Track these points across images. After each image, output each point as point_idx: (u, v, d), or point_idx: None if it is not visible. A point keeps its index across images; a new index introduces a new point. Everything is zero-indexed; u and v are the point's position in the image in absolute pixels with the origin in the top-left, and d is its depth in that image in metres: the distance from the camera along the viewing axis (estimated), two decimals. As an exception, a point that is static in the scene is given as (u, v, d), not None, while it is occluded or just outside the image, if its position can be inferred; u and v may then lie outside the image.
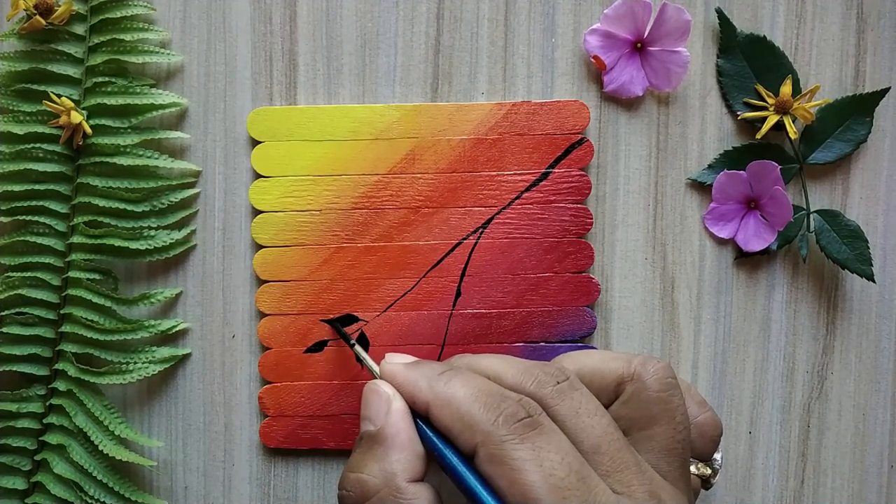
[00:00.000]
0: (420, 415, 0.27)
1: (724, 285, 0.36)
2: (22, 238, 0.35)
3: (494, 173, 0.35)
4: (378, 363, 0.30)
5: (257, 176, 0.35)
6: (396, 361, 0.29)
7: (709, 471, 0.31)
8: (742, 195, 0.36)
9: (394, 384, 0.28)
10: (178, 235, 0.35)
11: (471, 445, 0.25)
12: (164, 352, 0.36)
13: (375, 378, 0.29)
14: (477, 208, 0.35)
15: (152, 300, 0.35)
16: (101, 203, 0.35)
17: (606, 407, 0.28)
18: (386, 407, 0.27)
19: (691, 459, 0.30)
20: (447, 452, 0.26)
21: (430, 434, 0.27)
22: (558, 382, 0.27)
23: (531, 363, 0.28)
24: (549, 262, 0.35)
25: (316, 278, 0.35)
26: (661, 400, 0.27)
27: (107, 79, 0.35)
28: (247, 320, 0.36)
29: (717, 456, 0.31)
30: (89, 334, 0.35)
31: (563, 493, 0.24)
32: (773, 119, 0.35)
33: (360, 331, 0.35)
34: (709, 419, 0.30)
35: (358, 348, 0.32)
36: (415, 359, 0.29)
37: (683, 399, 0.28)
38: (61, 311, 0.35)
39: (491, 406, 0.25)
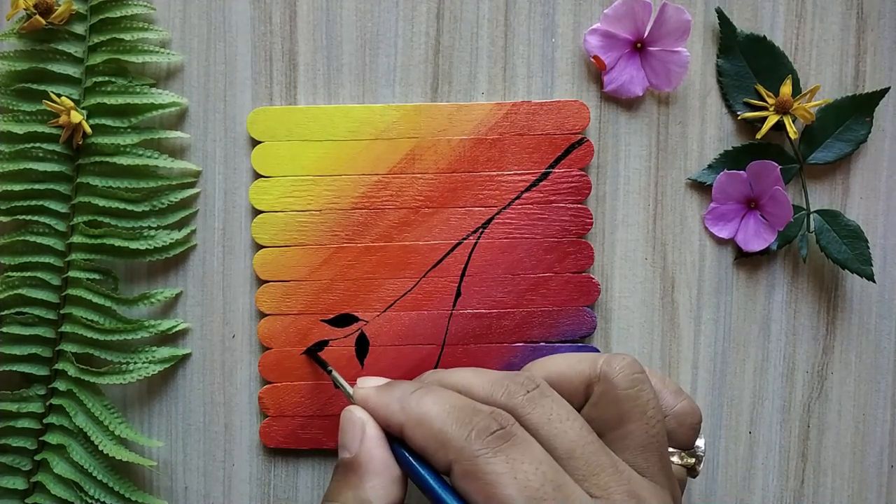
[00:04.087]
0: (395, 437, 0.27)
1: (724, 285, 0.36)
2: (22, 238, 0.35)
3: (494, 173, 0.35)
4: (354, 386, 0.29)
5: (257, 176, 0.35)
6: (369, 385, 0.29)
7: (692, 460, 0.31)
8: (742, 195, 0.36)
9: (367, 408, 0.28)
10: (178, 235, 0.35)
11: (445, 463, 0.25)
12: (164, 352, 0.36)
13: (351, 403, 0.29)
14: (477, 208, 0.35)
15: (152, 300, 0.35)
16: (101, 203, 0.35)
17: (578, 410, 0.28)
18: (360, 433, 0.27)
19: (674, 450, 0.30)
20: (422, 472, 0.26)
21: (406, 455, 0.27)
22: (528, 391, 0.27)
23: (501, 374, 0.28)
24: (549, 262, 0.35)
25: (316, 278, 0.35)
26: (630, 397, 0.27)
27: (107, 78, 0.35)
28: (247, 320, 0.36)
29: (700, 443, 0.31)
30: (89, 334, 0.35)
31: None
32: (773, 119, 0.35)
33: (359, 331, 0.35)
34: (686, 407, 0.30)
35: (335, 374, 0.32)
36: (387, 381, 0.29)
37: (653, 393, 0.28)
38: (61, 311, 0.35)
39: (463, 421, 0.25)
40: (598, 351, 0.36)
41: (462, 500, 0.25)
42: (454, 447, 0.25)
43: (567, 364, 0.29)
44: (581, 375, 0.28)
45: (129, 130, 0.35)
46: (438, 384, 0.28)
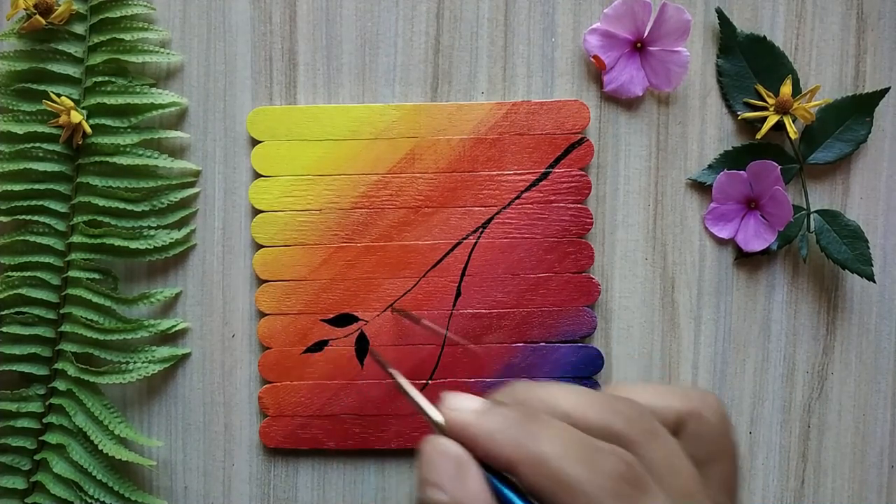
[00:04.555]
0: (495, 471, 0.24)
1: (724, 285, 0.36)
2: (22, 238, 0.35)
3: (494, 173, 0.35)
4: (425, 396, 0.25)
5: (257, 175, 0.35)
6: (464, 407, 0.25)
7: None
8: (742, 195, 0.36)
9: (465, 437, 0.24)
10: (177, 235, 0.35)
11: None
12: (164, 351, 0.36)
13: (436, 428, 0.25)
14: (477, 208, 0.35)
15: (152, 300, 0.35)
16: (101, 202, 0.35)
17: None
18: (457, 471, 0.24)
19: None
20: None
21: (514, 497, 0.24)
22: (644, 422, 0.25)
23: (606, 396, 0.26)
24: (549, 262, 0.35)
25: (316, 278, 0.35)
26: (722, 436, 0.26)
27: (107, 78, 0.35)
28: (247, 320, 0.36)
29: None
30: (89, 334, 0.35)
31: None
32: (773, 119, 0.35)
33: (359, 330, 0.35)
34: None
35: (407, 387, 0.26)
36: (480, 400, 0.25)
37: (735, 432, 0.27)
38: (61, 311, 0.35)
39: (587, 461, 0.23)
40: (599, 351, 0.36)
41: None
42: (580, 492, 0.23)
43: (654, 395, 0.27)
44: (671, 410, 0.26)
45: (129, 130, 0.35)
46: (546, 410, 0.25)
